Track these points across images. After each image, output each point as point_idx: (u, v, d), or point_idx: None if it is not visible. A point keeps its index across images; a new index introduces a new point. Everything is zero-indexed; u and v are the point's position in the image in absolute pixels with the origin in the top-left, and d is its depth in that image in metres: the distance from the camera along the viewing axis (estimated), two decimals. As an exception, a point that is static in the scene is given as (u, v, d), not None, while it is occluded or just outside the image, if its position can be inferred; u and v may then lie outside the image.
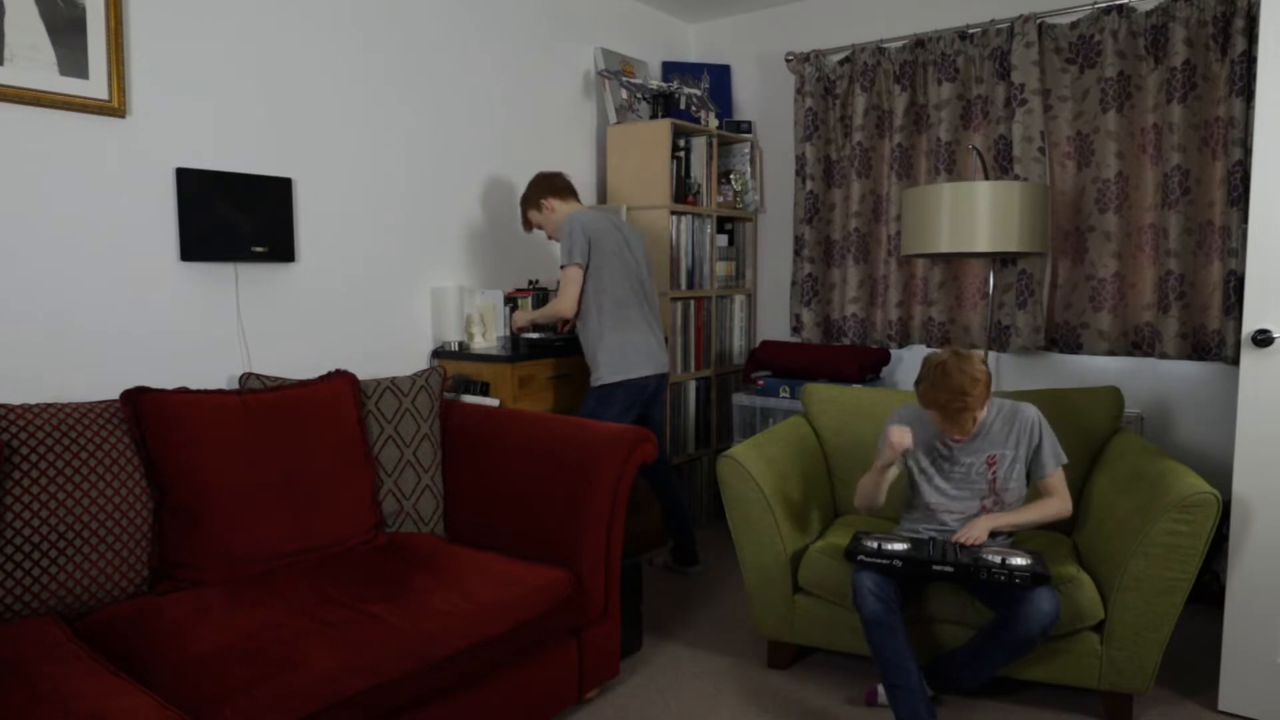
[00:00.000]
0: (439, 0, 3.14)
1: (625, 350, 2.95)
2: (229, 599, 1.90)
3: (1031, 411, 2.31)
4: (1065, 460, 2.31)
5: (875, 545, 2.22)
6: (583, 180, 3.82)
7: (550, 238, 3.14)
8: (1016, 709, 2.32)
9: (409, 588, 1.98)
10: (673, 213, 3.66)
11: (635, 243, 3.09)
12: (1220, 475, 3.18)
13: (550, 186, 3.07)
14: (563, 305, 2.92)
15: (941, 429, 2.23)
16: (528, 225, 3.17)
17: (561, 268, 2.92)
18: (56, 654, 1.57)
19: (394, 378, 2.60)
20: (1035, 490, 2.37)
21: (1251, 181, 2.27)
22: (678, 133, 3.80)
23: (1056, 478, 2.30)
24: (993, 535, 2.32)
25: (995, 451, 2.30)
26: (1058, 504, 2.29)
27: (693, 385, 3.89)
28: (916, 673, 2.09)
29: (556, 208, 3.06)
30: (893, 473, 2.35)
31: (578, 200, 3.11)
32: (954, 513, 2.34)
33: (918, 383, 2.23)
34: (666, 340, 3.61)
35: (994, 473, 2.30)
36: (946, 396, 2.16)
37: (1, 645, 1.61)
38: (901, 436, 2.23)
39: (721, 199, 4.05)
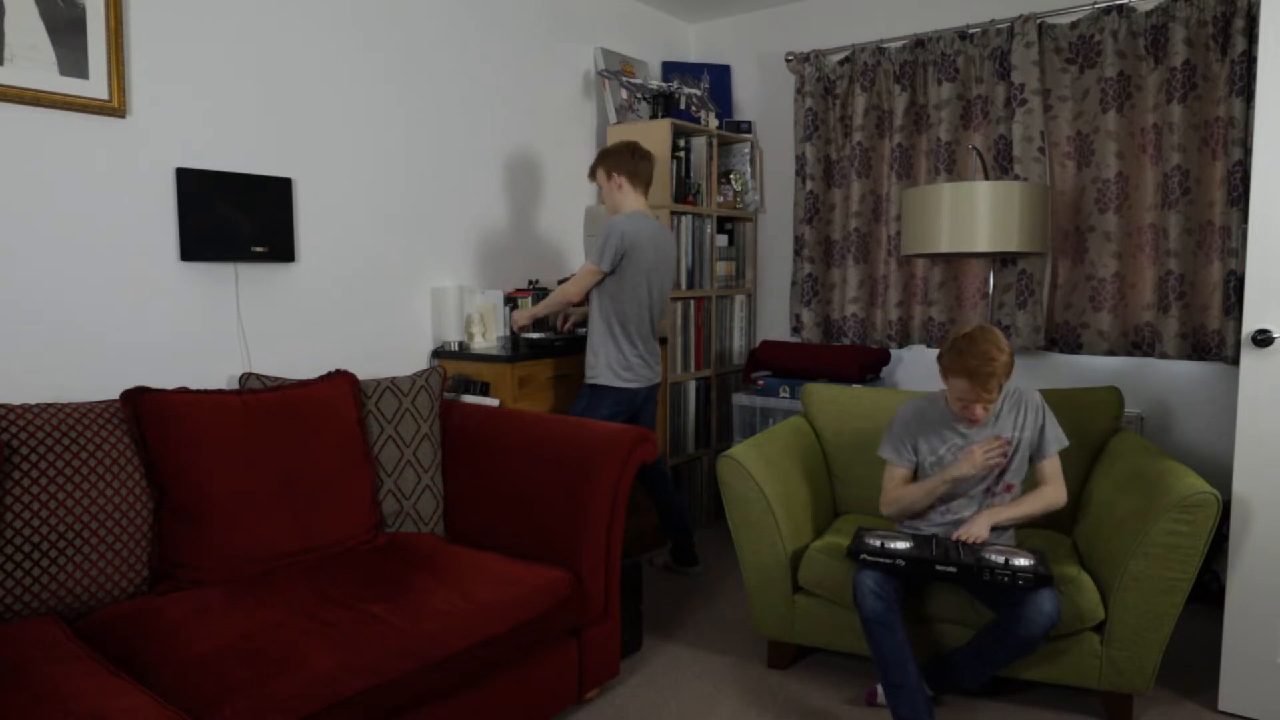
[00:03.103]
0: (439, 0, 3.14)
1: (624, 363, 2.98)
2: (229, 599, 1.89)
3: (1035, 395, 2.34)
4: (1065, 443, 2.32)
5: (878, 544, 2.22)
6: (582, 180, 3.82)
7: (601, 204, 3.10)
8: (1016, 709, 2.32)
9: (409, 588, 1.98)
10: (673, 213, 3.66)
11: (670, 259, 3.08)
12: (1220, 475, 3.18)
13: (631, 167, 2.99)
14: (570, 290, 2.94)
15: (968, 397, 2.21)
16: (593, 178, 3.11)
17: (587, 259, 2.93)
18: (56, 654, 1.57)
19: (394, 378, 2.60)
20: (1033, 476, 2.37)
21: (1251, 181, 2.27)
22: (678, 133, 3.80)
23: (1054, 463, 2.31)
24: (993, 530, 2.32)
25: (1004, 434, 2.31)
26: (1052, 492, 2.30)
27: (693, 385, 3.89)
28: (916, 672, 2.09)
29: (624, 189, 3.00)
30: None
31: (645, 195, 3.05)
32: (958, 498, 2.34)
33: (941, 355, 2.24)
34: (665, 341, 3.61)
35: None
36: (975, 362, 2.15)
37: (1, 645, 1.61)
38: (987, 455, 2.23)
39: (721, 199, 4.05)
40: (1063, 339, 3.43)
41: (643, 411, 3.17)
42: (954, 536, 2.24)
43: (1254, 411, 2.21)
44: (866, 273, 3.84)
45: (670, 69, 4.18)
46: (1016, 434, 2.31)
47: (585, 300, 3.14)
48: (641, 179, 3.01)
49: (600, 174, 3.05)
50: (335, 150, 2.82)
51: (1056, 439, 2.31)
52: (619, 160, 2.99)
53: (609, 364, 2.97)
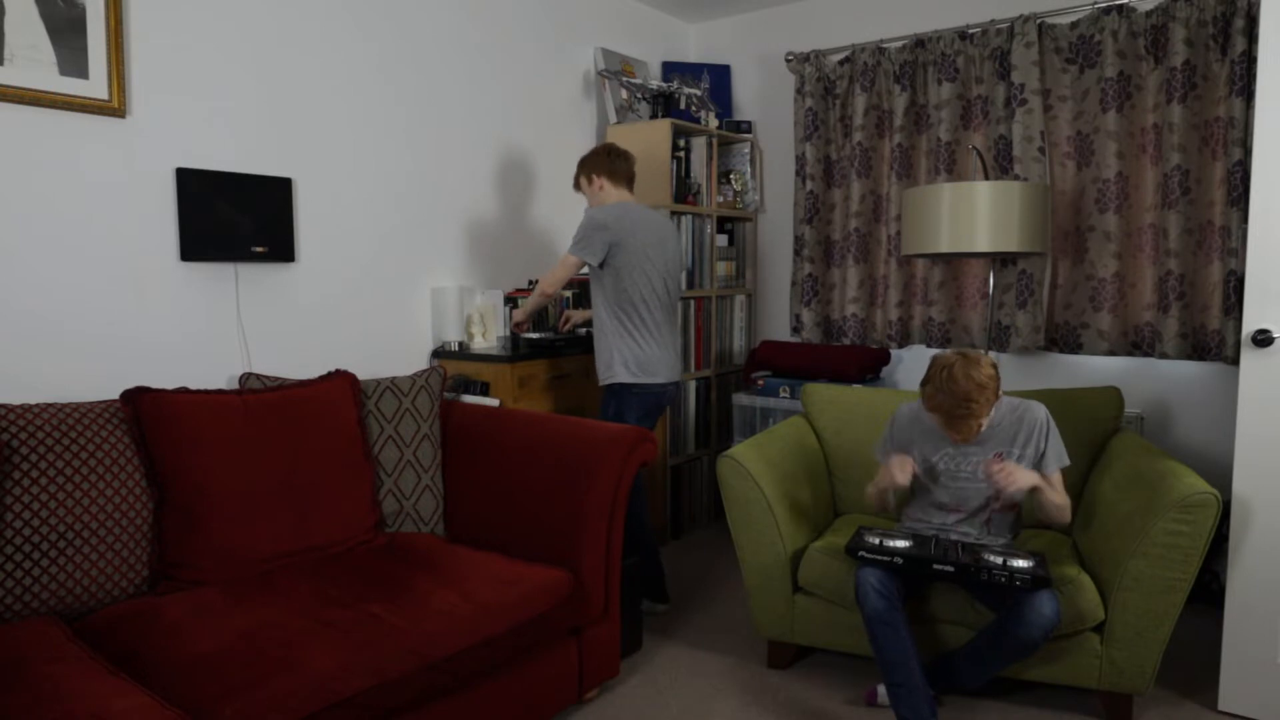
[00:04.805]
0: (439, 1, 3.14)
1: (639, 356, 2.85)
2: (229, 599, 1.90)
3: (1041, 411, 2.31)
4: (1068, 463, 2.30)
5: (877, 541, 2.22)
6: (583, 180, 3.82)
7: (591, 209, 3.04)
8: (1017, 709, 2.32)
9: (409, 588, 1.98)
10: (673, 213, 3.66)
11: (671, 244, 2.98)
12: (1220, 475, 3.18)
13: (610, 167, 2.94)
14: (548, 280, 2.87)
15: (945, 433, 2.22)
16: (577, 187, 3.07)
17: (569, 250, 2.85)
18: (56, 654, 1.57)
19: (394, 378, 2.60)
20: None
21: (1251, 181, 2.27)
22: (678, 133, 3.80)
23: (1056, 480, 2.30)
24: (991, 534, 2.32)
25: (1002, 449, 2.30)
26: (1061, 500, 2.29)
27: (693, 385, 3.89)
28: (918, 671, 2.09)
29: (605, 188, 2.95)
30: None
31: (629, 190, 2.98)
32: (958, 511, 2.34)
33: (924, 384, 2.22)
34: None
35: None
36: (950, 403, 2.15)
37: (1, 645, 1.61)
38: (903, 472, 2.24)
39: (721, 199, 4.05)
40: (1063, 339, 3.43)
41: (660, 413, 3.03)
42: (988, 471, 2.19)
43: (1254, 411, 2.21)
44: (866, 273, 3.84)
45: (670, 69, 4.18)
46: (1014, 450, 2.29)
47: (587, 303, 3.11)
48: (621, 175, 2.95)
49: (582, 181, 3.01)
50: (335, 150, 2.82)
51: (1058, 456, 2.28)
52: (595, 163, 2.96)
53: (624, 360, 2.84)
